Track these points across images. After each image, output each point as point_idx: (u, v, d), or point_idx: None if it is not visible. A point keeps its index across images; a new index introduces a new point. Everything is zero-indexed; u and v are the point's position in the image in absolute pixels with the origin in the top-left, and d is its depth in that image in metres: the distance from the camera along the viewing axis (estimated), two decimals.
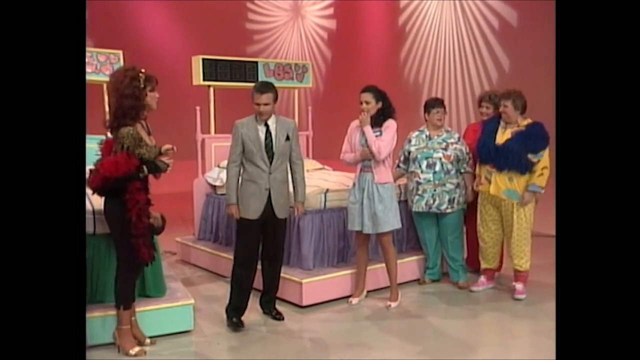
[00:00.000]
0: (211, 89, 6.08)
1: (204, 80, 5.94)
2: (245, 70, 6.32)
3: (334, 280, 4.66)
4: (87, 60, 5.51)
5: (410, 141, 5.07)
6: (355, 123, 4.50)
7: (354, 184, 4.52)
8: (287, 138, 4.06)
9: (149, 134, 3.54)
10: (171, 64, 11.68)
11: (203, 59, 5.96)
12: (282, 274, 4.52)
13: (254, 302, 4.34)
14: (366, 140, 4.35)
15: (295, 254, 4.76)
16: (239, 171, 4.10)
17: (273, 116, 4.07)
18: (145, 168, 3.39)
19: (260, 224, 4.06)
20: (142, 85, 3.39)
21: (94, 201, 3.79)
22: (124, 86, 3.34)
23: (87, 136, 3.64)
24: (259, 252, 4.20)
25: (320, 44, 14.08)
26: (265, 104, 3.97)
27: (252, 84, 6.33)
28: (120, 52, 5.67)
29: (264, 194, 4.03)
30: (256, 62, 6.50)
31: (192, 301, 4.02)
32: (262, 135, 4.03)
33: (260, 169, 4.03)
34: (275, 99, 4.05)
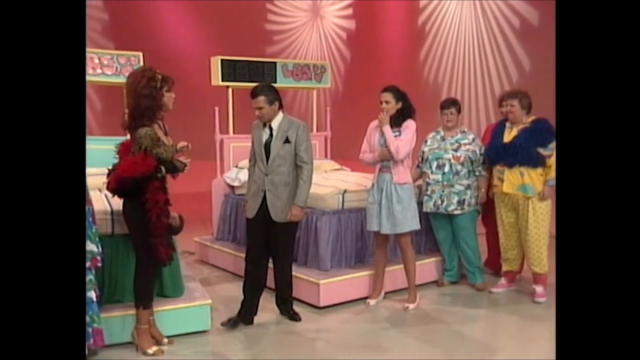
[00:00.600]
0: (230, 90, 6.09)
1: (222, 80, 5.95)
2: (264, 71, 6.33)
3: (351, 282, 4.64)
4: (107, 62, 5.55)
5: (426, 142, 5.06)
6: (374, 123, 4.47)
7: (372, 185, 4.49)
8: (287, 140, 3.98)
9: (165, 134, 3.55)
10: (191, 64, 11.75)
11: (222, 60, 5.97)
12: (299, 275, 4.55)
13: (271, 303, 4.35)
14: (385, 140, 4.32)
15: (312, 254, 4.74)
16: (253, 170, 4.13)
17: (280, 117, 4.02)
18: (162, 168, 3.40)
19: (262, 225, 4.03)
20: (159, 86, 3.41)
21: (113, 202, 3.82)
22: (141, 87, 3.36)
23: (107, 138, 3.69)
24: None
25: (340, 44, 14.05)
26: (260, 108, 3.94)
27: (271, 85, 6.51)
28: (140, 54, 5.70)
29: (260, 195, 4.01)
30: (274, 63, 6.50)
31: (210, 301, 4.03)
32: (265, 137, 4.02)
33: (259, 170, 4.04)
34: (272, 101, 3.95)
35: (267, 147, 4.00)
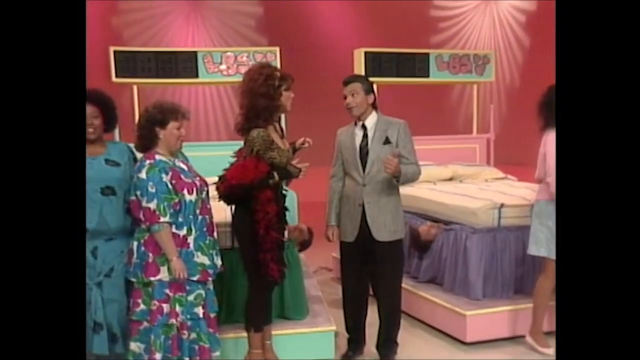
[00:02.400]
0: (374, 86, 5.99)
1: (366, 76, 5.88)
2: (415, 64, 6.21)
3: (508, 315, 4.33)
4: (243, 60, 5.78)
5: None
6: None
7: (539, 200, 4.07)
8: (387, 141, 3.71)
9: (281, 137, 3.55)
10: (346, 57, 11.88)
11: (365, 52, 5.94)
12: (442, 303, 4.40)
13: (409, 334, 4.15)
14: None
15: (460, 279, 4.50)
16: (341, 186, 3.90)
17: (375, 116, 3.79)
18: (275, 174, 3.40)
19: (361, 249, 3.80)
20: (277, 84, 3.41)
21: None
22: (258, 85, 3.38)
23: (224, 142, 3.78)
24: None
25: (517, 29, 13.32)
26: (353, 94, 3.71)
27: (423, 80, 6.33)
28: (277, 49, 5.84)
29: (357, 210, 3.74)
30: (427, 54, 6.31)
31: (334, 327, 3.98)
32: (358, 140, 3.77)
33: (354, 181, 3.78)
34: (368, 91, 3.75)
35: (363, 151, 3.75)
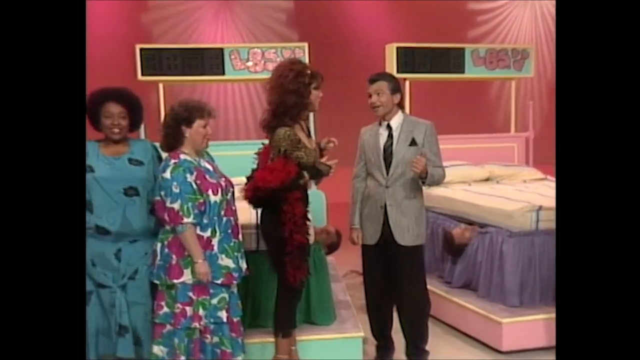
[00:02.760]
0: (407, 82, 5.97)
1: (398, 72, 5.86)
2: (449, 59, 6.17)
3: (547, 323, 4.23)
4: (270, 57, 5.77)
5: None
6: None
7: None
8: (413, 142, 3.70)
9: (308, 135, 3.54)
10: (379, 53, 11.83)
11: (397, 47, 5.91)
12: (477, 310, 4.36)
13: (442, 339, 4.12)
14: None
15: (496, 285, 4.45)
16: (364, 187, 3.88)
17: (400, 116, 3.78)
18: (305, 173, 3.39)
19: (383, 253, 3.78)
20: (307, 82, 3.40)
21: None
22: (288, 81, 3.37)
23: (248, 142, 3.76)
24: None
25: None
26: (379, 93, 3.69)
27: (458, 76, 6.29)
28: (306, 45, 5.83)
29: (380, 213, 3.73)
30: (462, 49, 6.25)
31: (362, 333, 3.97)
32: (383, 140, 3.76)
33: (377, 182, 3.76)
34: (394, 90, 3.72)
35: (388, 151, 3.74)
